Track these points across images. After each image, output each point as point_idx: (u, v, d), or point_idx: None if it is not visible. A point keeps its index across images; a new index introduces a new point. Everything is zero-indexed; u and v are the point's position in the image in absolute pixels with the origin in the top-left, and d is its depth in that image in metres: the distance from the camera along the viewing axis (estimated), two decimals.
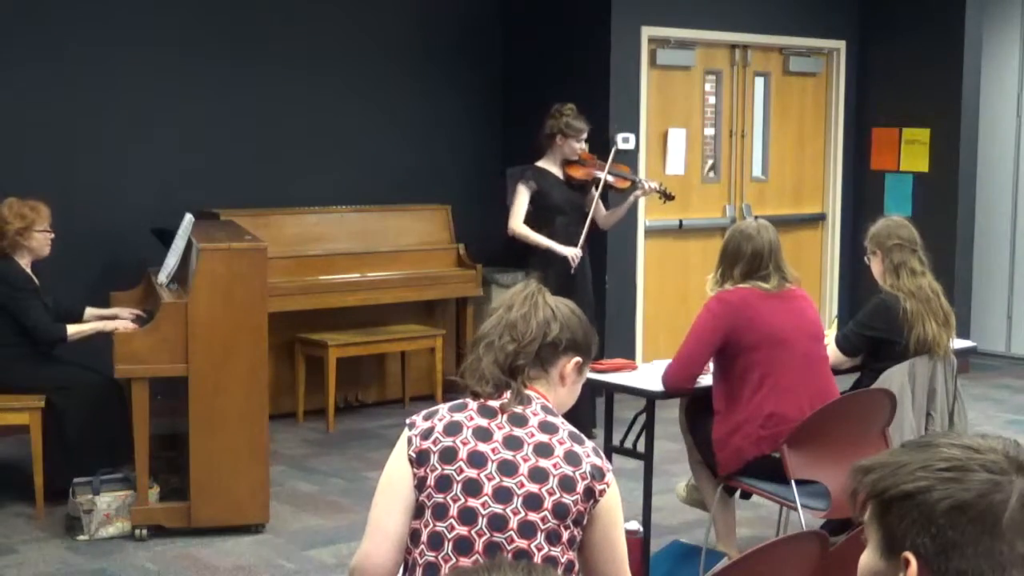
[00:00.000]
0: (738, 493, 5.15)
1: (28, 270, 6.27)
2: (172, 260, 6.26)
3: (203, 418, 5.65)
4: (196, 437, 5.66)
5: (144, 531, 5.71)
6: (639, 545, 4.92)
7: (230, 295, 5.64)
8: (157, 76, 7.87)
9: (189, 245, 6.14)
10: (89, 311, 6.51)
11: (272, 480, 6.03)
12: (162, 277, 6.27)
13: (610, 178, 7.28)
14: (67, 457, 6.05)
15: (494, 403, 2.75)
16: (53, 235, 6.34)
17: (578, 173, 7.23)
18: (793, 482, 4.61)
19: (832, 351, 5.13)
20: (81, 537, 5.71)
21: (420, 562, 2.68)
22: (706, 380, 4.92)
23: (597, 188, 7.20)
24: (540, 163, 7.25)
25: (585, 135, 7.19)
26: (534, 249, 7.14)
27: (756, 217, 5.71)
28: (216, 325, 5.62)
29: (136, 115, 7.80)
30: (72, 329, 6.23)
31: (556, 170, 7.23)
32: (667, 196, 7.35)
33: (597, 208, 7.28)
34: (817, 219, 9.98)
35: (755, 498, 5.22)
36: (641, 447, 5.15)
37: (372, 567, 2.71)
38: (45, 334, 6.18)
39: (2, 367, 6.12)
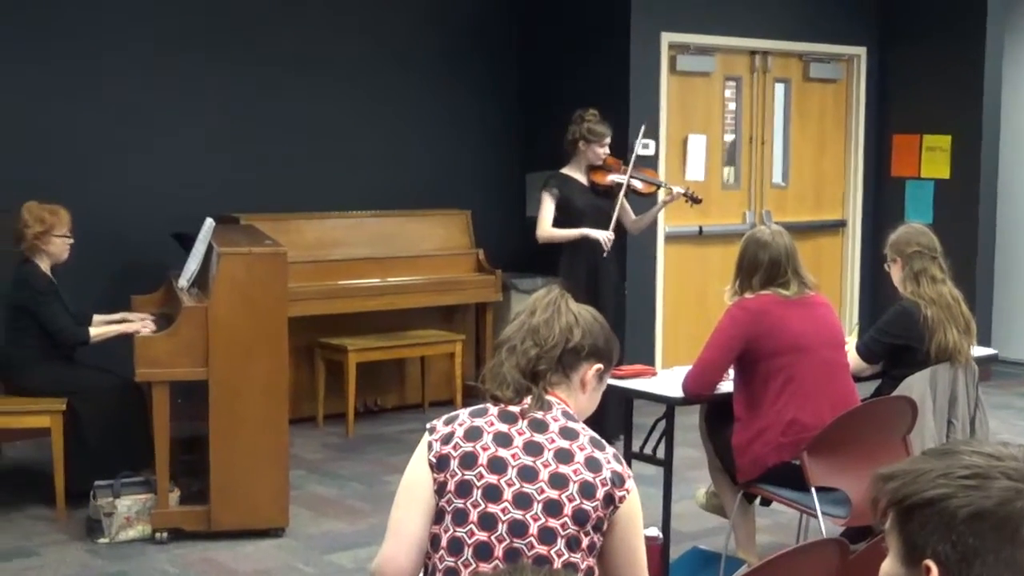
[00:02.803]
0: (758, 500, 5.14)
1: (49, 274, 6.29)
2: (192, 264, 6.28)
3: (223, 422, 5.66)
4: (216, 441, 5.67)
5: (164, 534, 5.73)
6: (658, 552, 4.91)
7: (250, 299, 5.65)
8: (178, 81, 7.90)
9: (209, 249, 6.16)
10: (97, 318, 6.50)
11: (292, 484, 6.03)
12: (182, 281, 6.29)
13: (635, 183, 7.27)
14: (88, 460, 6.06)
15: (515, 408, 2.76)
16: (72, 240, 6.36)
17: (602, 178, 7.23)
18: (813, 489, 4.60)
19: (852, 358, 5.11)
20: (101, 540, 5.73)
21: (440, 567, 2.68)
22: (726, 386, 4.91)
23: (622, 193, 7.20)
24: (564, 169, 7.26)
25: (608, 140, 7.19)
26: (560, 255, 7.16)
27: (769, 224, 5.69)
28: (236, 329, 5.64)
29: (157, 120, 7.83)
30: (94, 331, 6.26)
31: (580, 176, 7.23)
32: (694, 200, 7.34)
33: (625, 213, 7.29)
34: (837, 226, 9.96)
35: (775, 505, 5.21)
36: (661, 453, 5.14)
37: (392, 571, 2.72)
38: (69, 337, 6.21)
39: (24, 370, 6.16)
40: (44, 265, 6.28)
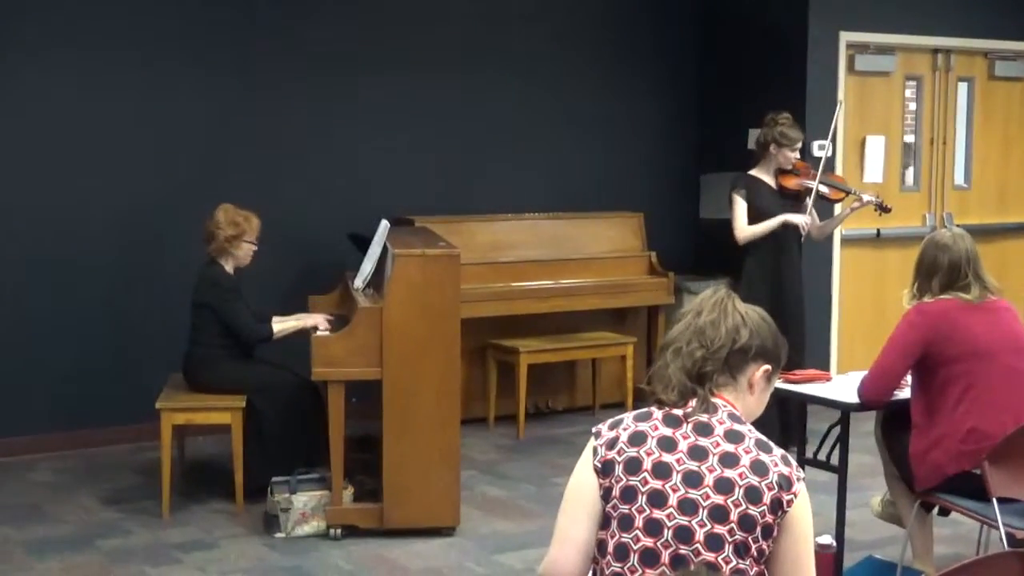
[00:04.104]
0: (936, 509, 5.01)
1: (232, 275, 6.46)
2: (368, 265, 6.38)
3: (396, 421, 5.74)
4: (389, 440, 5.75)
5: (338, 531, 5.83)
6: (832, 560, 4.81)
7: (424, 301, 5.71)
8: (357, 87, 8.05)
9: (384, 251, 6.25)
10: (274, 320, 6.62)
11: (463, 484, 6.07)
12: (358, 282, 6.39)
13: (824, 188, 7.15)
14: (266, 456, 6.21)
15: (679, 411, 2.72)
16: (257, 248, 6.51)
17: (791, 183, 7.13)
18: (995, 500, 4.46)
19: None
20: (278, 535, 5.86)
21: (607, 572, 2.67)
22: (904, 393, 4.80)
23: (810, 198, 7.09)
24: (753, 171, 7.18)
25: (800, 144, 7.10)
26: (747, 256, 7.09)
27: (950, 226, 5.54)
28: (410, 330, 5.70)
29: (335, 125, 7.99)
30: (276, 327, 6.40)
31: (769, 179, 7.14)
32: (884, 209, 7.17)
33: (811, 219, 7.17)
34: (1023, 229, 9.64)
35: (954, 515, 5.07)
36: (835, 460, 5.05)
37: (559, 574, 2.72)
38: (252, 334, 6.36)
39: (207, 367, 6.34)
40: (228, 267, 6.45)
